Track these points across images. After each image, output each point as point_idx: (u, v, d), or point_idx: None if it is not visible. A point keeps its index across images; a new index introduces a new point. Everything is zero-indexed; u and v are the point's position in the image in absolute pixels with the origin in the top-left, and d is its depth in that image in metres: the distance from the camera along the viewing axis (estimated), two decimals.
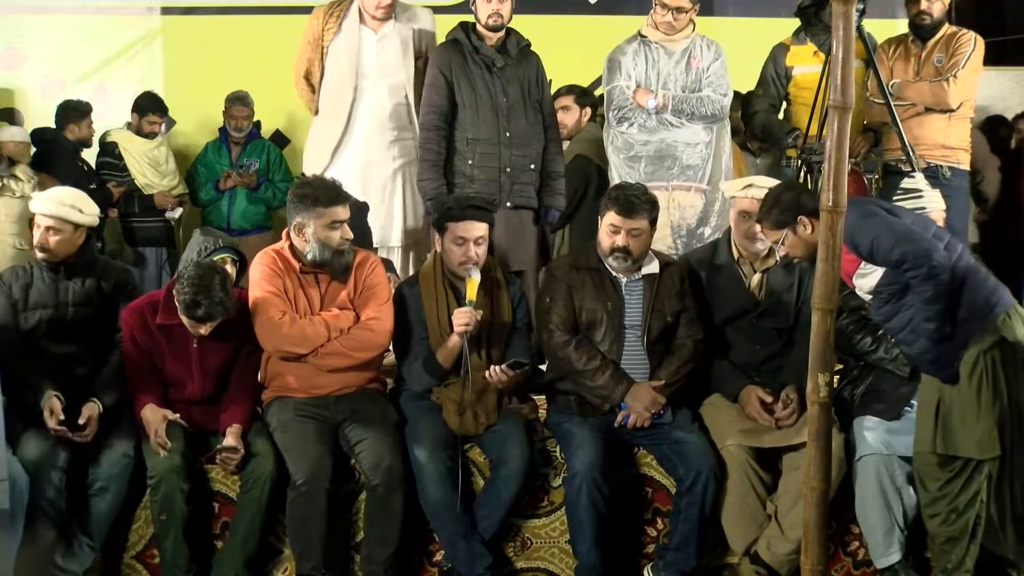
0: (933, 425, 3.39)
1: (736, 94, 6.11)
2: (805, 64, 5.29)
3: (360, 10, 4.78)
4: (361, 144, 4.79)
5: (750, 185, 3.92)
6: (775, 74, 5.47)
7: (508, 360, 3.81)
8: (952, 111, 5.09)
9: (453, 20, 4.90)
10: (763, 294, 3.97)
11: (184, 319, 3.68)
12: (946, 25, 5.22)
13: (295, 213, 3.82)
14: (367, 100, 4.79)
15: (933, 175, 5.00)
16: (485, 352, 3.92)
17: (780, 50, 5.45)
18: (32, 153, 6.11)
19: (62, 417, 3.57)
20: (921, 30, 5.19)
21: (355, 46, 4.76)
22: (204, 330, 3.69)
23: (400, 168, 4.85)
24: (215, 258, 3.99)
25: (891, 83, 5.12)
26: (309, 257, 3.81)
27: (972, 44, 5.12)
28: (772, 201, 3.65)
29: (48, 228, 3.78)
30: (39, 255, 3.81)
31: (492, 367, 3.73)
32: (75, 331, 3.79)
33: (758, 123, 5.58)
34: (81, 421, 3.62)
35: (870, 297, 3.52)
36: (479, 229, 3.88)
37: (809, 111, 4.93)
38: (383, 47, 4.80)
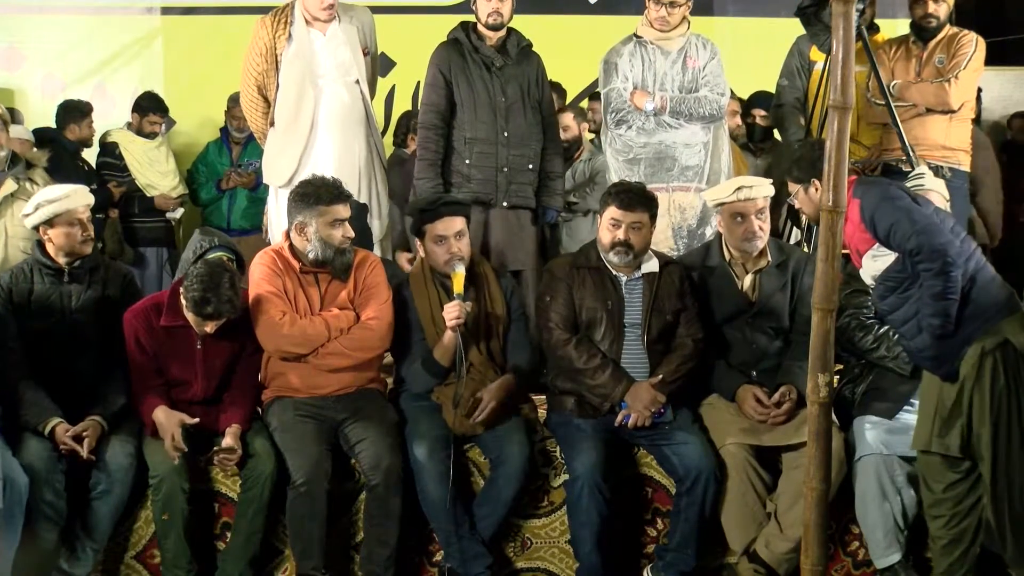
0: (931, 423, 3.38)
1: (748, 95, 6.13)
2: None
3: (303, 15, 4.77)
4: (329, 144, 4.77)
5: (740, 187, 3.91)
6: (799, 65, 5.45)
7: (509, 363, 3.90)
8: (953, 112, 5.08)
9: (453, 20, 4.91)
10: (756, 295, 3.97)
11: (191, 317, 3.68)
12: (948, 26, 5.20)
13: (296, 212, 3.82)
14: (328, 100, 4.77)
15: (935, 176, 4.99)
16: (484, 346, 3.93)
17: (805, 42, 5.37)
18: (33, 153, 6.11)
19: (71, 443, 3.57)
20: (925, 32, 5.16)
21: (308, 49, 4.75)
22: (210, 328, 3.69)
23: (366, 163, 4.85)
24: (210, 256, 3.99)
25: (892, 84, 5.10)
26: (311, 256, 3.81)
27: (973, 45, 5.09)
28: (796, 156, 3.76)
29: (87, 218, 3.81)
30: (87, 251, 3.80)
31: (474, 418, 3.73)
32: (82, 341, 3.78)
33: (780, 116, 5.57)
34: (83, 435, 3.59)
35: (873, 282, 3.50)
36: (457, 224, 3.89)
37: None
38: (334, 47, 4.78)
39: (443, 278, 3.92)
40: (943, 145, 5.10)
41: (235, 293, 3.64)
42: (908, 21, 5.40)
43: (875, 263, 3.49)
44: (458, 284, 3.81)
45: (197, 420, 3.67)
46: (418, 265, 4.03)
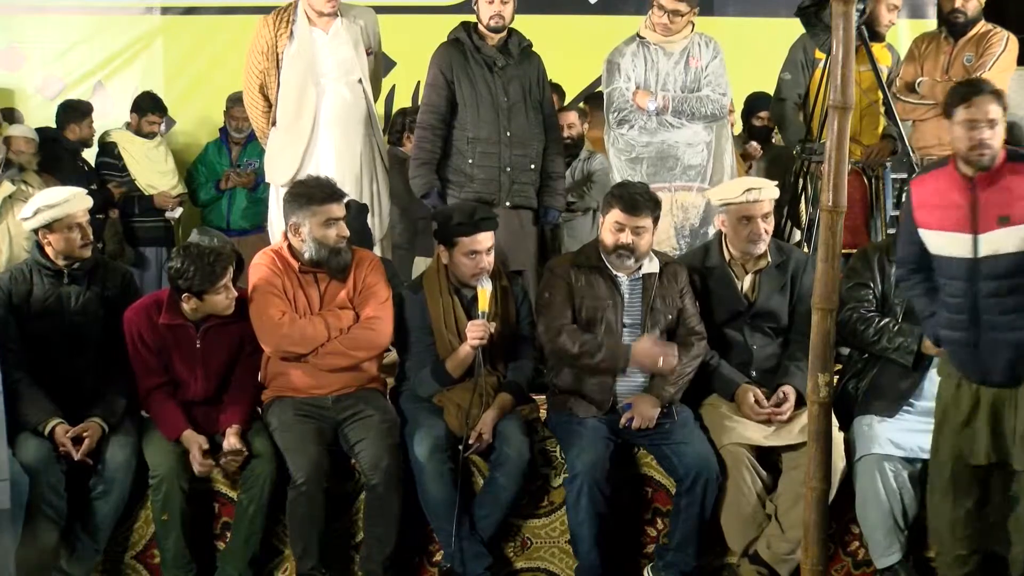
0: (946, 429, 3.34)
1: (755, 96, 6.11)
2: None
3: (306, 13, 4.77)
4: (330, 144, 4.79)
5: (749, 189, 3.90)
6: (804, 60, 5.43)
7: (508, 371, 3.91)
8: None
9: (453, 20, 4.91)
10: (756, 295, 3.97)
11: (208, 296, 3.67)
12: (981, 23, 5.09)
13: (290, 213, 3.82)
14: (330, 99, 4.79)
15: None
16: (490, 355, 3.92)
17: (810, 39, 5.31)
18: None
19: (68, 445, 3.56)
20: (954, 27, 5.10)
21: (310, 48, 4.76)
22: (226, 298, 3.68)
23: (368, 163, 4.85)
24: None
25: (918, 81, 5.08)
26: (306, 256, 3.81)
27: (1003, 44, 5.00)
28: None
29: (87, 223, 3.80)
30: (82, 255, 3.79)
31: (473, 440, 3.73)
32: (82, 342, 3.77)
33: (780, 112, 5.55)
34: (83, 435, 3.59)
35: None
36: (490, 239, 3.87)
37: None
38: (336, 45, 4.80)
39: (459, 286, 3.91)
40: None
41: (213, 239, 3.68)
42: (909, 22, 5.37)
43: None
44: (483, 301, 3.78)
45: (232, 447, 3.65)
46: (434, 268, 3.98)
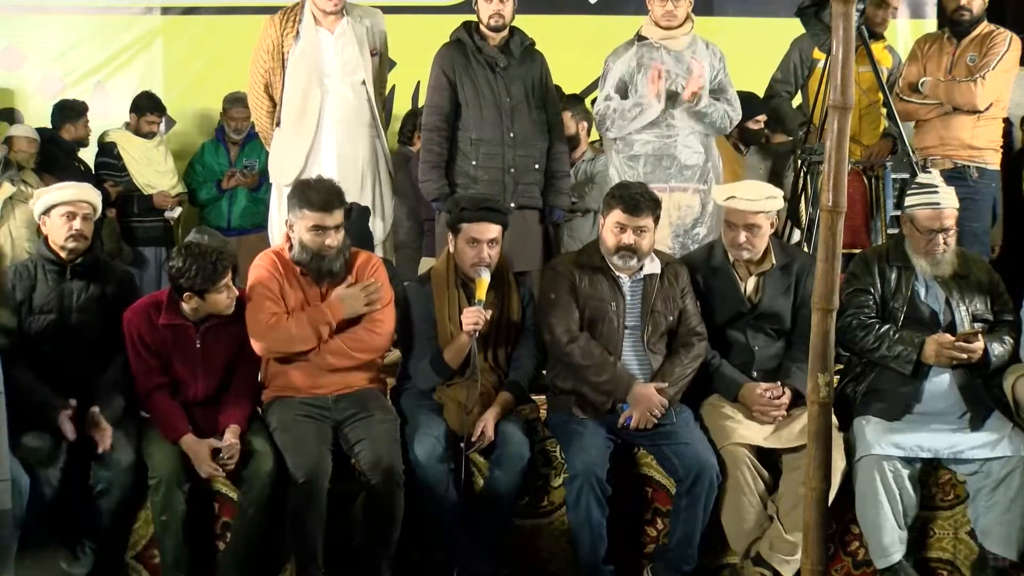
0: None
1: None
2: None
3: (312, 12, 4.77)
4: (333, 143, 4.80)
5: (732, 196, 3.90)
6: (799, 61, 5.42)
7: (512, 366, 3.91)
8: (980, 112, 5.03)
9: (454, 20, 4.91)
10: (759, 297, 3.96)
11: (209, 295, 3.66)
12: (984, 23, 5.10)
13: (288, 211, 3.83)
14: (334, 99, 4.80)
15: (960, 175, 4.97)
16: (492, 353, 3.92)
17: (808, 40, 5.34)
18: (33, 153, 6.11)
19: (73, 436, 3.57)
20: (958, 27, 5.09)
21: (315, 48, 4.77)
22: (227, 297, 3.68)
23: (370, 164, 4.85)
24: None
25: (921, 81, 5.08)
26: (290, 254, 3.80)
27: (1006, 44, 5.02)
28: None
29: (84, 216, 3.81)
30: (72, 246, 3.79)
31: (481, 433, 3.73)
32: (81, 337, 3.78)
33: (774, 108, 5.55)
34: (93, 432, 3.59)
35: None
36: (492, 231, 3.87)
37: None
38: (342, 46, 4.81)
39: (465, 279, 3.91)
40: (969, 144, 5.05)
41: (213, 238, 3.72)
42: (910, 22, 5.37)
43: None
44: (480, 291, 3.79)
45: (227, 443, 3.63)
46: (443, 261, 3.99)
